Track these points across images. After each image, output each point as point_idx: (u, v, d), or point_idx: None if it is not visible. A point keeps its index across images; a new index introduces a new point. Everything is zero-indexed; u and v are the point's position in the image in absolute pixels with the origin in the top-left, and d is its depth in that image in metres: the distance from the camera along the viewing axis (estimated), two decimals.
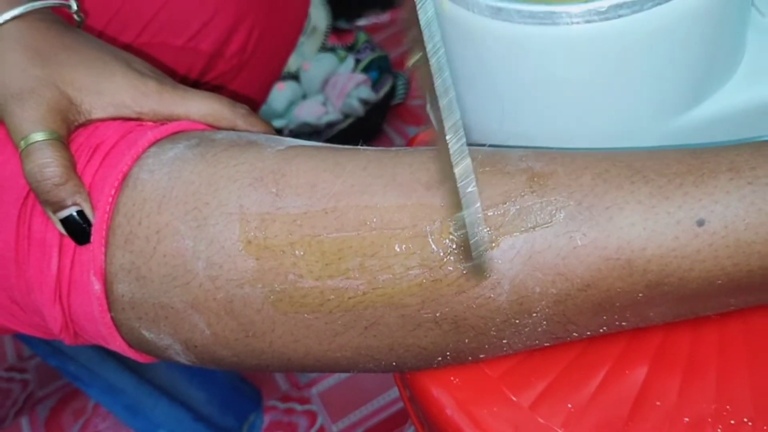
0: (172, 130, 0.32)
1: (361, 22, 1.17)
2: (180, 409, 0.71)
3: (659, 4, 0.27)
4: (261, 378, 0.81)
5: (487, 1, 0.28)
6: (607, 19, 0.27)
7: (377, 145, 1.13)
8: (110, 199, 0.30)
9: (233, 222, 0.28)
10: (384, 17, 1.18)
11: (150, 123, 0.33)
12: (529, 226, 0.27)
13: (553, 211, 0.27)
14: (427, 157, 0.29)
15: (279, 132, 1.01)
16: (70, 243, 0.30)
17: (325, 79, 1.04)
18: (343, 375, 0.80)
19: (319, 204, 0.28)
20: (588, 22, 0.27)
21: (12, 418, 0.88)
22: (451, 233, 0.27)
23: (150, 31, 0.46)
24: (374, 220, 0.27)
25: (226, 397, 0.77)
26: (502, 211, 0.27)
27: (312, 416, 0.79)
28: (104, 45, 0.35)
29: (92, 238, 0.30)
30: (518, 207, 0.27)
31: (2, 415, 0.88)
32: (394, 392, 0.77)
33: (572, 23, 0.27)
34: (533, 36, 0.28)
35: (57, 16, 0.36)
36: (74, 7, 0.36)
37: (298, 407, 0.80)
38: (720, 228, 0.26)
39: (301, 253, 0.28)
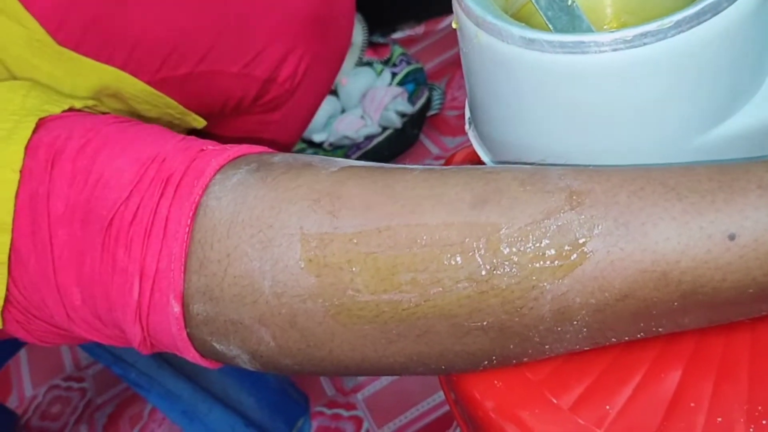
0: (233, 156, 0.34)
1: (397, 35, 1.19)
2: (232, 414, 0.74)
3: (682, 31, 0.28)
4: (308, 384, 0.83)
5: (520, 32, 0.30)
6: (633, 47, 0.29)
7: (414, 155, 1.15)
8: (187, 229, 0.32)
9: (295, 242, 0.31)
10: (419, 30, 1.20)
11: (211, 148, 0.35)
12: (569, 241, 0.28)
13: (592, 227, 0.28)
14: (470, 177, 0.31)
15: (320, 145, 1.04)
16: (149, 272, 0.33)
17: (363, 93, 1.06)
18: (388, 380, 0.82)
19: (373, 224, 0.30)
20: (615, 50, 0.29)
21: (72, 426, 0.91)
22: (495, 248, 0.29)
23: (207, 61, 0.48)
24: (424, 237, 0.29)
25: (275, 403, 0.80)
26: (543, 227, 0.29)
27: (358, 421, 0.80)
28: None
29: (173, 266, 0.32)
30: (559, 223, 0.28)
31: (62, 423, 0.92)
32: (438, 396, 0.79)
33: (600, 52, 0.29)
34: (564, 64, 0.30)
35: None
36: None
37: (345, 413, 0.82)
38: (750, 241, 0.27)
39: (358, 269, 0.30)
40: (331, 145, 1.04)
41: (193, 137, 0.36)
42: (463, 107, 0.39)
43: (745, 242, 0.27)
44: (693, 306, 0.29)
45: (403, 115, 1.03)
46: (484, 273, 0.29)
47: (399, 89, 1.05)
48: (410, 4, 1.19)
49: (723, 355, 0.32)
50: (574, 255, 0.28)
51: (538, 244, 0.28)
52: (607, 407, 0.31)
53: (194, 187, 0.33)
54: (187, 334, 0.33)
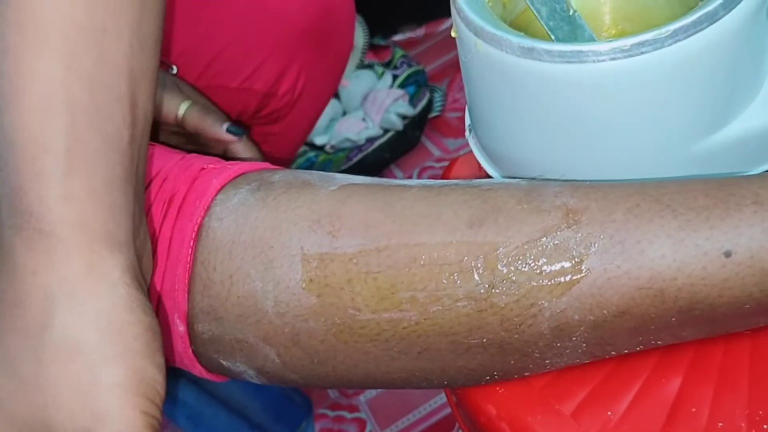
0: (234, 175, 0.35)
1: (397, 37, 1.20)
2: (236, 418, 0.74)
3: (679, 40, 0.29)
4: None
5: (519, 41, 0.30)
6: (630, 56, 0.29)
7: (415, 157, 1.15)
8: (190, 251, 0.33)
9: (296, 263, 0.31)
10: (420, 32, 1.21)
11: (212, 166, 0.35)
12: (566, 259, 0.29)
13: (588, 245, 0.29)
14: (467, 195, 0.31)
15: (321, 148, 1.04)
16: (153, 292, 0.33)
17: (364, 95, 1.07)
18: None
19: (372, 243, 0.30)
20: (613, 59, 0.29)
21: None
22: (493, 267, 0.29)
23: (206, 76, 0.49)
24: (423, 257, 0.30)
25: (279, 407, 0.80)
26: (540, 246, 0.29)
27: (361, 424, 0.81)
28: None
29: (177, 287, 0.33)
30: (556, 242, 0.29)
31: None
32: (440, 399, 0.79)
33: (598, 61, 0.29)
34: (562, 74, 0.30)
35: None
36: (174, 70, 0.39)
37: (347, 415, 0.82)
38: (746, 258, 0.27)
39: (358, 289, 0.30)
40: (332, 147, 1.04)
41: (194, 154, 0.37)
42: (464, 109, 0.40)
43: (741, 259, 0.27)
44: (690, 321, 0.29)
45: (404, 117, 1.03)
46: (482, 291, 0.29)
47: (400, 91, 1.05)
48: (411, 7, 1.19)
49: (723, 361, 0.32)
50: (572, 273, 0.28)
51: (535, 263, 0.29)
52: (609, 413, 0.31)
53: (196, 208, 0.33)
54: (193, 351, 0.34)
